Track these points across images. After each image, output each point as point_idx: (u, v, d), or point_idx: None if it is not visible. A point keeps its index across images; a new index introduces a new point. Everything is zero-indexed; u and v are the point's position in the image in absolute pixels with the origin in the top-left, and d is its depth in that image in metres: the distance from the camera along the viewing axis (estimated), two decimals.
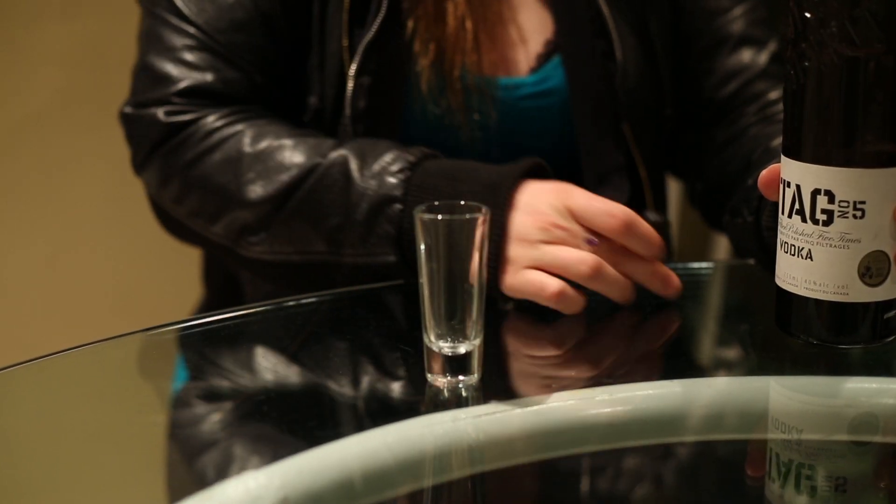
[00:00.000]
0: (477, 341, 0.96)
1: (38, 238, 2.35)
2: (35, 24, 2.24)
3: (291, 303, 1.18)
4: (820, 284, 0.99)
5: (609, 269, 1.10)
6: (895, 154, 0.97)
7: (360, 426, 0.91)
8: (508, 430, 0.93)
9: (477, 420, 0.93)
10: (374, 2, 1.29)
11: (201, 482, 0.86)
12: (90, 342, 1.08)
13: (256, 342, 1.11)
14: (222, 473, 0.86)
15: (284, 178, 1.20)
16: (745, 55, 1.39)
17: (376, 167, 1.17)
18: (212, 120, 1.25)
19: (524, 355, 1.09)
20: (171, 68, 1.27)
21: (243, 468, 0.86)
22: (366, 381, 1.02)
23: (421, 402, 0.97)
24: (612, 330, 1.14)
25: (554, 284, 1.09)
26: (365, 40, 1.28)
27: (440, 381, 0.97)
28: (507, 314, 1.14)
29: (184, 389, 1.04)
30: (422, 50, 1.29)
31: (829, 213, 0.97)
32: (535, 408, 0.94)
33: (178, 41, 1.27)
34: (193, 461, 0.92)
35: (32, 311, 2.39)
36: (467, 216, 0.94)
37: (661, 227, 1.22)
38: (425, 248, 0.94)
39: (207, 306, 1.48)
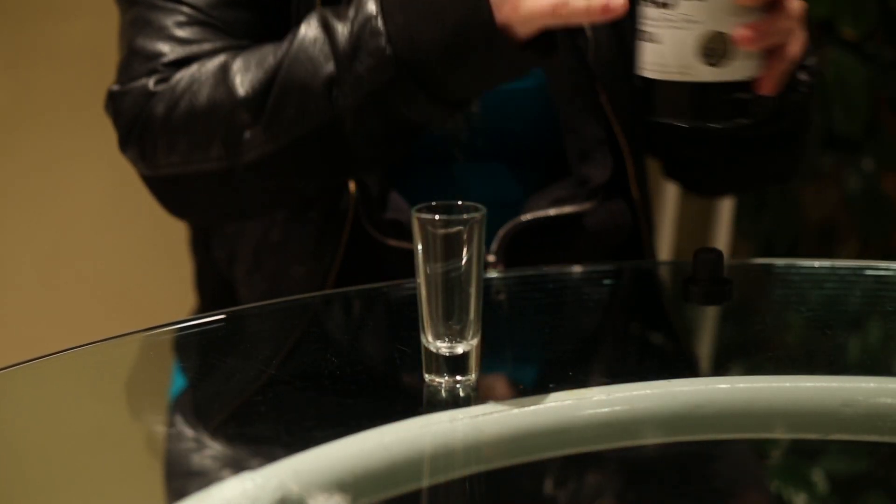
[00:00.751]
0: (474, 341, 0.96)
1: (37, 238, 2.35)
2: (35, 24, 2.24)
3: (288, 302, 1.18)
4: (666, 66, 1.03)
5: None
6: None
7: (357, 426, 0.91)
8: (506, 431, 0.93)
9: (474, 420, 0.93)
10: None
11: (199, 483, 0.85)
12: (88, 343, 1.08)
13: (253, 342, 1.11)
14: (220, 474, 0.86)
15: (268, 59, 1.18)
16: None
17: (351, 6, 1.16)
18: (195, 66, 1.23)
19: (522, 355, 1.09)
20: (163, 45, 1.25)
21: (241, 469, 0.85)
22: (363, 382, 1.02)
23: (418, 402, 0.97)
24: (610, 330, 1.14)
25: None
26: None
27: (438, 381, 0.97)
28: (506, 314, 1.14)
29: (181, 390, 1.04)
30: None
31: None
32: (533, 408, 0.94)
33: (169, 20, 1.25)
34: (191, 462, 0.92)
35: (31, 312, 2.39)
36: (465, 216, 0.94)
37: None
38: (422, 249, 0.94)
39: (201, 312, 1.48)
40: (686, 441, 0.98)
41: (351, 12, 1.15)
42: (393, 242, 1.29)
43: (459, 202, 0.96)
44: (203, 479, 0.87)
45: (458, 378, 0.96)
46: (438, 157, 1.32)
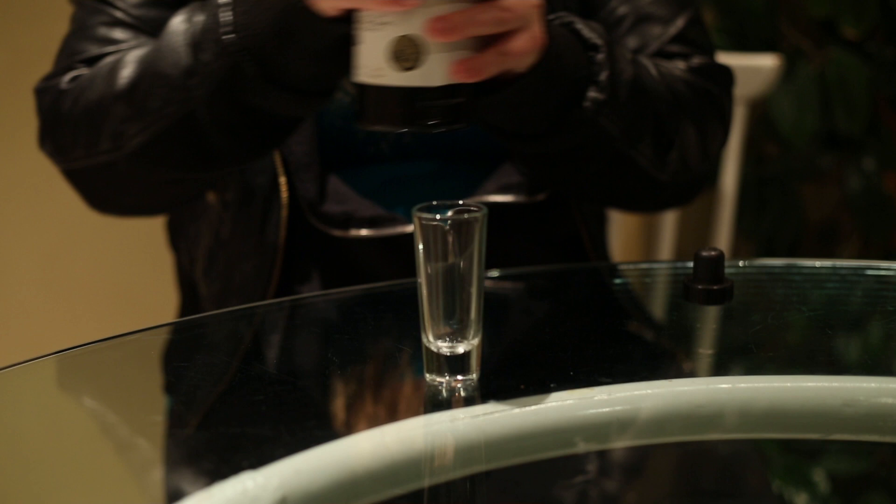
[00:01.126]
0: (475, 341, 0.96)
1: (36, 238, 2.35)
2: (35, 25, 2.24)
3: (289, 301, 1.18)
4: (364, 68, 1.03)
5: None
6: None
7: (358, 426, 0.91)
8: (507, 431, 0.93)
9: (475, 420, 0.93)
10: None
11: (199, 483, 0.85)
12: (87, 343, 1.08)
13: (253, 342, 1.11)
14: (220, 474, 0.86)
15: (146, 52, 1.21)
16: (641, 34, 1.35)
17: None
18: (99, 63, 1.26)
19: (522, 355, 1.09)
20: (83, 44, 1.29)
21: (241, 468, 0.85)
22: (364, 382, 1.02)
23: (419, 402, 0.97)
24: (611, 329, 1.14)
25: None
26: None
27: (439, 380, 0.97)
28: (506, 313, 1.14)
29: (181, 390, 1.04)
30: None
31: None
32: (534, 408, 0.94)
33: (95, 20, 1.29)
34: (191, 462, 0.92)
35: (29, 312, 2.39)
36: (465, 216, 0.94)
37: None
38: (423, 249, 0.94)
39: (181, 312, 1.49)
40: (687, 441, 0.97)
41: (209, 3, 1.16)
42: (338, 233, 1.30)
43: (460, 201, 0.96)
44: (204, 478, 0.87)
45: (460, 377, 0.96)
46: (381, 155, 1.34)
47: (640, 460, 0.94)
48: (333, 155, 1.34)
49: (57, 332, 2.33)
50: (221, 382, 1.04)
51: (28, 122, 2.28)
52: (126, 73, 1.21)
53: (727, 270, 1.12)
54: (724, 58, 1.93)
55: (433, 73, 1.02)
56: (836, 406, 0.98)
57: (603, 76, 1.16)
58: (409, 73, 1.01)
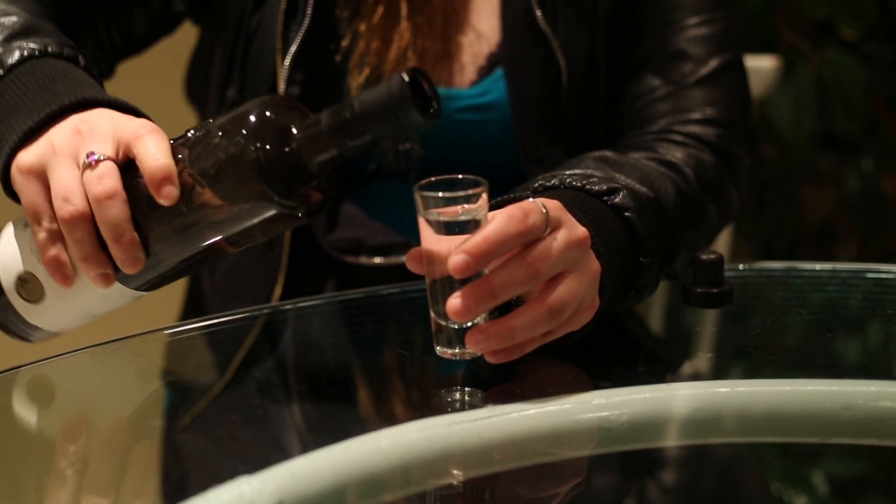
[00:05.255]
0: (484, 314, 0.96)
1: None
2: None
3: (288, 307, 1.18)
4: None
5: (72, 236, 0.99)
6: None
7: (354, 431, 0.91)
8: (505, 435, 0.93)
9: (473, 424, 0.92)
10: (299, 11, 1.28)
11: (196, 487, 0.85)
12: (85, 347, 1.07)
13: (250, 347, 1.11)
14: (217, 478, 0.86)
15: None
16: (670, 74, 1.32)
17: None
18: None
19: (520, 359, 1.09)
20: None
21: (238, 473, 0.85)
22: (360, 386, 1.02)
23: (416, 406, 0.97)
24: (609, 333, 1.14)
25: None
26: (291, 53, 1.27)
27: (450, 353, 0.96)
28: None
29: (178, 394, 1.04)
30: (356, 68, 1.28)
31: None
32: (532, 412, 0.94)
33: None
34: (188, 466, 0.91)
35: None
36: (471, 191, 0.94)
37: None
38: (427, 223, 0.94)
39: (182, 316, 1.48)
40: (686, 445, 0.97)
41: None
42: (349, 259, 1.29)
43: (460, 175, 0.95)
44: (200, 483, 0.87)
45: (469, 350, 0.96)
46: (393, 179, 1.33)
47: (639, 464, 0.94)
48: (341, 173, 1.32)
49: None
50: (218, 387, 1.04)
51: None
52: None
53: (727, 273, 1.12)
54: None
55: (54, 317, 1.05)
56: (835, 410, 0.97)
57: (650, 277, 1.08)
58: (31, 306, 1.04)
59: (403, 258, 1.26)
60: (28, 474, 0.91)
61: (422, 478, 0.90)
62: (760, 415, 0.99)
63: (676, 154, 1.24)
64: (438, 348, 0.97)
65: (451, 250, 0.93)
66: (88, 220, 0.97)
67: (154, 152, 0.95)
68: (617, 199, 1.05)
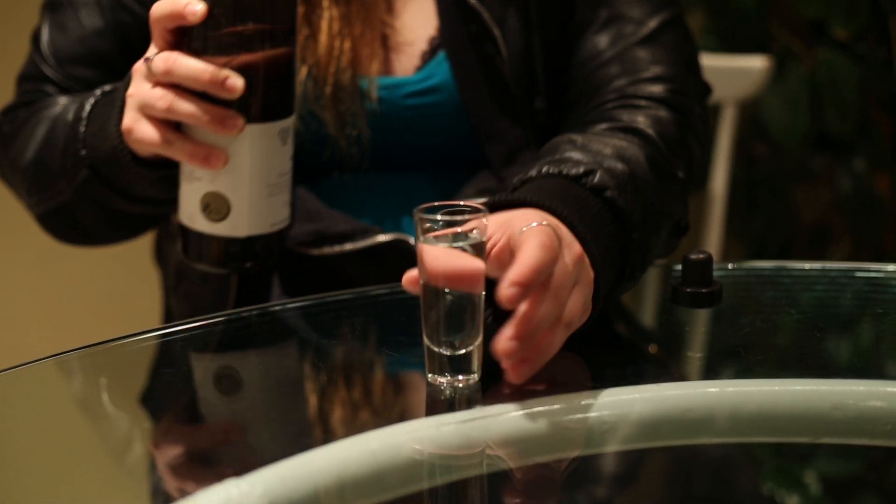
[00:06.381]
0: (477, 341, 0.96)
1: (24, 242, 2.34)
2: (19, 26, 2.24)
3: (277, 307, 1.18)
4: (182, 211, 1.15)
5: (181, 101, 1.12)
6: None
7: (343, 433, 0.91)
8: (493, 436, 0.93)
9: (462, 426, 0.92)
10: None
11: (184, 490, 0.85)
12: (75, 348, 1.07)
13: (240, 348, 1.11)
14: (205, 481, 0.86)
15: (45, 134, 1.28)
16: (606, 37, 1.33)
17: (84, 100, 1.25)
18: (20, 115, 1.33)
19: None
20: (22, 89, 1.35)
21: (226, 475, 0.85)
22: (349, 388, 1.02)
23: (405, 408, 0.97)
24: (598, 333, 1.14)
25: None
26: None
27: (441, 381, 0.96)
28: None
29: (166, 396, 1.03)
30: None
31: None
32: (520, 413, 0.94)
33: (31, 69, 1.35)
34: (176, 469, 0.91)
35: (21, 316, 2.38)
36: (470, 217, 0.94)
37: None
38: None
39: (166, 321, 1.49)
40: (675, 445, 0.97)
41: (81, 107, 1.24)
42: (313, 252, 1.30)
43: (461, 202, 0.96)
44: (188, 485, 0.87)
45: (461, 377, 0.96)
46: (350, 168, 1.34)
47: (629, 465, 0.94)
48: (297, 165, 1.33)
49: (44, 337, 2.33)
50: (206, 389, 1.04)
51: None
52: (28, 151, 1.29)
53: (716, 273, 1.12)
54: (714, 59, 1.94)
55: (238, 225, 1.13)
56: (826, 409, 0.97)
57: (637, 257, 1.11)
58: (216, 224, 1.13)
59: (368, 241, 1.28)
60: (14, 478, 0.91)
61: (411, 480, 0.90)
62: (750, 415, 0.99)
63: (637, 118, 1.26)
64: (430, 376, 0.97)
65: (449, 276, 0.93)
66: (182, 94, 1.11)
67: (191, 65, 1.10)
68: (595, 180, 1.08)
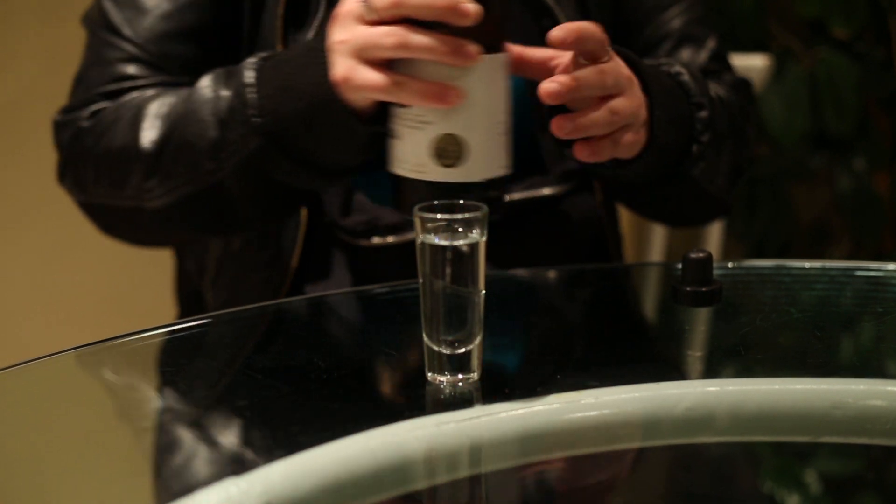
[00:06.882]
0: (477, 340, 0.96)
1: (24, 241, 2.35)
2: (30, 27, 2.24)
3: (274, 306, 1.17)
4: (405, 162, 1.07)
5: (414, 34, 1.06)
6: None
7: (343, 431, 0.90)
8: (493, 435, 0.93)
9: (461, 425, 0.92)
10: (311, 4, 1.29)
11: (183, 488, 0.85)
12: (74, 347, 1.07)
13: (239, 347, 1.11)
14: (204, 479, 0.85)
15: (172, 112, 1.22)
16: (685, 54, 1.39)
17: (236, 73, 1.19)
18: (121, 103, 1.27)
19: (509, 359, 1.09)
20: (101, 78, 1.30)
21: (225, 474, 0.85)
22: (349, 386, 1.02)
23: (405, 407, 0.96)
24: (598, 332, 1.14)
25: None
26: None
27: (440, 379, 0.96)
28: (492, 316, 1.13)
29: (166, 395, 1.03)
30: None
31: None
32: (520, 412, 0.94)
33: (112, 54, 1.30)
34: (175, 467, 0.91)
35: (19, 316, 2.38)
36: (466, 215, 0.94)
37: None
38: (425, 249, 0.94)
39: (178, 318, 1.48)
40: (675, 444, 0.97)
41: (235, 78, 1.18)
42: (363, 242, 1.30)
43: (461, 201, 0.96)
44: (187, 484, 0.86)
45: (461, 376, 0.96)
46: None
47: (628, 464, 0.94)
48: None
49: (43, 336, 2.33)
50: (205, 388, 1.04)
51: (22, 124, 2.27)
52: (150, 132, 1.22)
53: (716, 272, 1.12)
54: None
55: (474, 169, 1.06)
56: (825, 408, 0.97)
57: (706, 137, 1.22)
58: (451, 170, 1.06)
59: (413, 235, 1.28)
60: (17, 474, 0.91)
61: (410, 478, 0.90)
62: (750, 414, 0.99)
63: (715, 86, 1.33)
64: (430, 374, 0.97)
65: (448, 275, 0.94)
66: (410, 28, 1.05)
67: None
68: (672, 69, 1.23)
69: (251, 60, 1.18)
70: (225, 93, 1.18)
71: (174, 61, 1.29)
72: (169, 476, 0.91)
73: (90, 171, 1.28)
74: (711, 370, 1.09)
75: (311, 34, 1.28)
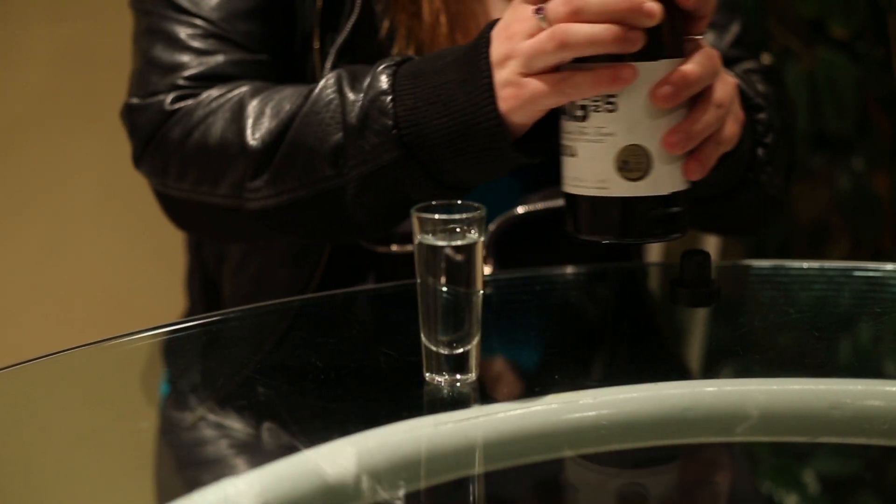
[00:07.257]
0: (475, 340, 0.96)
1: (26, 240, 2.35)
2: (29, 27, 2.24)
3: (275, 306, 1.17)
4: (583, 180, 1.00)
5: (575, 26, 1.01)
6: (643, 50, 0.99)
7: (340, 432, 0.91)
8: (491, 435, 0.93)
9: (459, 425, 0.92)
10: (346, 4, 1.28)
11: (181, 488, 0.85)
12: (76, 346, 1.07)
13: (238, 347, 1.11)
14: (202, 480, 0.86)
15: (283, 110, 1.16)
16: (707, 39, 1.38)
17: (367, 75, 1.14)
18: (215, 93, 1.22)
19: (506, 360, 1.09)
20: (182, 56, 1.25)
21: (223, 474, 0.85)
22: (347, 386, 1.02)
23: (402, 407, 0.96)
24: (597, 332, 1.14)
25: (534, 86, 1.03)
26: (337, 43, 1.27)
27: (438, 380, 0.96)
28: (491, 317, 1.13)
29: (167, 395, 1.03)
30: (400, 51, 1.28)
31: (584, 108, 1.00)
32: (519, 412, 0.94)
33: (184, 31, 1.25)
34: (174, 467, 0.91)
35: (20, 315, 2.38)
36: (465, 215, 0.94)
37: None
38: (423, 249, 0.94)
39: (190, 313, 1.48)
40: (673, 444, 0.97)
41: (365, 82, 1.13)
42: (381, 249, 1.29)
43: (458, 201, 0.96)
44: (185, 484, 0.86)
45: (459, 376, 0.96)
46: None
47: (626, 464, 0.94)
48: None
49: (44, 335, 2.33)
50: (204, 388, 1.04)
51: (16, 124, 2.28)
52: (257, 128, 1.17)
53: (714, 272, 1.12)
54: None
55: (660, 181, 1.00)
56: (823, 409, 0.97)
57: (769, 139, 1.20)
58: (636, 184, 1.00)
59: None
60: (17, 474, 0.91)
61: (408, 479, 0.90)
62: (748, 414, 0.99)
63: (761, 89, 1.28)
64: (428, 375, 0.97)
65: (446, 275, 0.93)
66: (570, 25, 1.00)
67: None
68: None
69: (384, 64, 1.13)
70: (353, 96, 1.13)
71: (249, 38, 1.25)
72: (167, 476, 0.91)
73: (174, 163, 1.23)
74: (710, 370, 1.09)
75: (344, 34, 1.28)
